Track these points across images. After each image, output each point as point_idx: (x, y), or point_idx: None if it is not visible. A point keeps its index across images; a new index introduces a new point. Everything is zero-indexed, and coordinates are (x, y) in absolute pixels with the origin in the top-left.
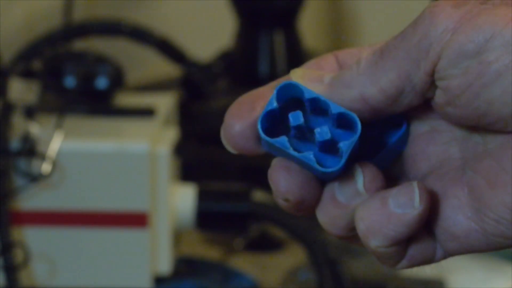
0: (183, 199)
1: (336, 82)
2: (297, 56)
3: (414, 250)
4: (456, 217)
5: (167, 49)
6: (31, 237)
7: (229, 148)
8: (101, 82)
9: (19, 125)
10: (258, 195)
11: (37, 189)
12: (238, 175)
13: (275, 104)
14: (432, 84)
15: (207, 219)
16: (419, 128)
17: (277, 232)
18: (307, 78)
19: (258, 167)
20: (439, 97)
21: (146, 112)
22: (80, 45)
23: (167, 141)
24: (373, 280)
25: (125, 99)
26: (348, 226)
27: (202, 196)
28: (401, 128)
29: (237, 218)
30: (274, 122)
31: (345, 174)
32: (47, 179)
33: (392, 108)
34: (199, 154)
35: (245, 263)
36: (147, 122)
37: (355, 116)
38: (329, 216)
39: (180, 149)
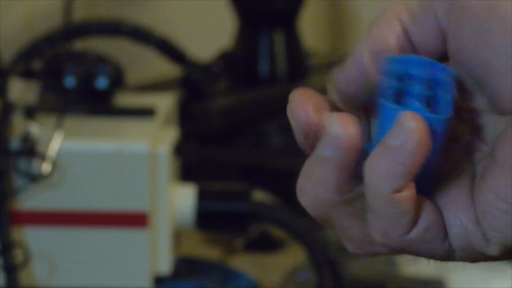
0: (183, 199)
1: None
2: (297, 56)
3: (424, 220)
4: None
5: (167, 49)
6: (31, 237)
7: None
8: (101, 82)
9: (19, 125)
10: (258, 195)
11: (37, 189)
12: (238, 175)
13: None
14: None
15: (207, 219)
16: None
17: (277, 232)
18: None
19: (258, 167)
20: (450, 42)
21: (146, 112)
22: (80, 45)
23: (167, 141)
24: (373, 280)
25: (125, 99)
26: (339, 185)
27: (202, 196)
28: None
29: (237, 218)
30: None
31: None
32: (47, 179)
33: (421, 36)
34: (199, 154)
35: (245, 263)
36: (147, 122)
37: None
38: (316, 177)
39: (180, 149)
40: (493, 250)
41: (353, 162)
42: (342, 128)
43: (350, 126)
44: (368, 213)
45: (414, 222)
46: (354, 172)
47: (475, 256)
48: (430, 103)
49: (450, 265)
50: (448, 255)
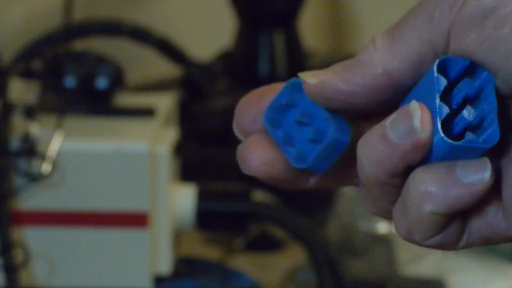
0: (183, 199)
1: (353, 65)
2: (297, 56)
3: (450, 229)
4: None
5: (167, 49)
6: (31, 237)
7: (241, 137)
8: (101, 82)
9: (19, 125)
10: (258, 195)
11: (37, 189)
12: (238, 175)
13: (284, 100)
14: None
15: (207, 219)
16: None
17: (277, 232)
18: (317, 74)
19: None
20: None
21: (146, 112)
22: (80, 45)
23: (167, 141)
24: (373, 280)
25: (125, 99)
26: (394, 170)
27: (202, 196)
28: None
29: (237, 218)
30: (278, 113)
31: (399, 113)
32: (47, 179)
33: (414, 79)
34: (199, 154)
35: (245, 263)
36: (147, 122)
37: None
38: (376, 156)
39: (180, 149)
40: None
41: (417, 157)
42: (423, 123)
43: (431, 123)
44: (396, 206)
45: (440, 231)
46: (412, 163)
47: (494, 241)
48: (475, 125)
49: (450, 265)
50: (466, 247)
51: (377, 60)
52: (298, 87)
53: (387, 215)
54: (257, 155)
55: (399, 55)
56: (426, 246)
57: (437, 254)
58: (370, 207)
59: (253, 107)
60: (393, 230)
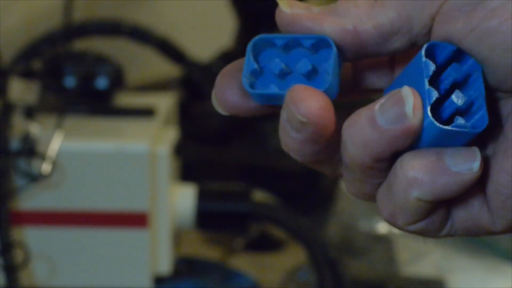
0: (183, 199)
1: (329, 11)
2: None
3: (433, 216)
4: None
5: (167, 49)
6: (31, 237)
7: (221, 110)
8: (101, 82)
9: (19, 125)
10: (258, 195)
11: (37, 189)
12: (238, 175)
13: (254, 66)
14: (429, 30)
15: (207, 219)
16: None
17: (277, 232)
18: (294, 5)
19: (258, 167)
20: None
21: (146, 112)
22: (80, 45)
23: (167, 141)
24: (373, 280)
25: (125, 99)
26: (379, 155)
27: (202, 196)
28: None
29: (237, 218)
30: (256, 74)
31: (389, 97)
32: (47, 179)
33: (379, 48)
34: (199, 154)
35: (245, 263)
36: (147, 122)
37: (325, 37)
38: (362, 139)
39: (180, 149)
40: (499, 226)
41: (406, 143)
42: (415, 109)
43: (422, 109)
44: (381, 189)
45: (424, 218)
46: (401, 149)
47: (477, 233)
48: (464, 109)
49: (450, 265)
50: (448, 236)
51: (352, 16)
52: (260, 45)
53: (368, 198)
54: (316, 98)
55: (374, 19)
56: (408, 231)
57: (437, 254)
58: (350, 189)
59: (234, 80)
60: (393, 230)
